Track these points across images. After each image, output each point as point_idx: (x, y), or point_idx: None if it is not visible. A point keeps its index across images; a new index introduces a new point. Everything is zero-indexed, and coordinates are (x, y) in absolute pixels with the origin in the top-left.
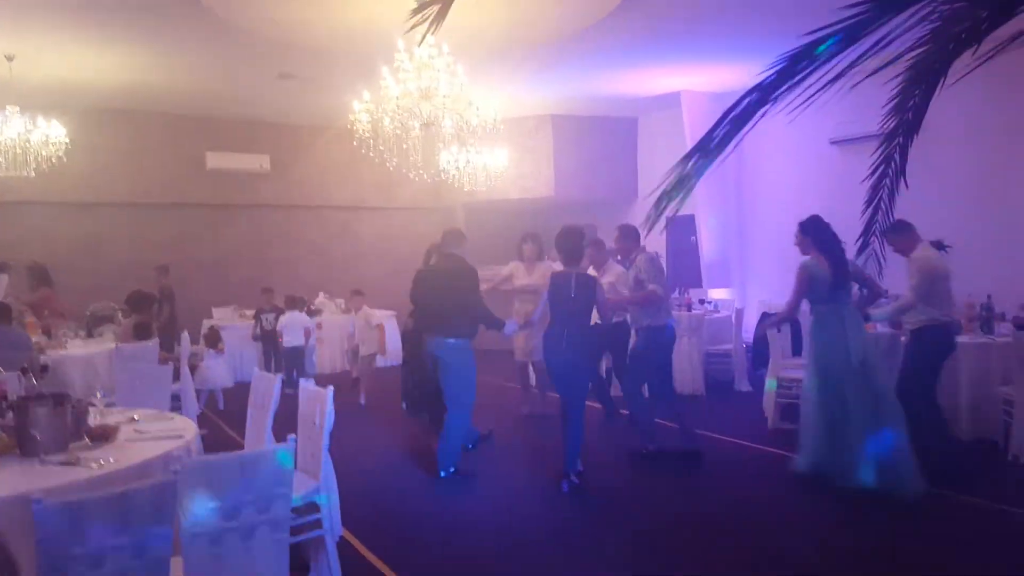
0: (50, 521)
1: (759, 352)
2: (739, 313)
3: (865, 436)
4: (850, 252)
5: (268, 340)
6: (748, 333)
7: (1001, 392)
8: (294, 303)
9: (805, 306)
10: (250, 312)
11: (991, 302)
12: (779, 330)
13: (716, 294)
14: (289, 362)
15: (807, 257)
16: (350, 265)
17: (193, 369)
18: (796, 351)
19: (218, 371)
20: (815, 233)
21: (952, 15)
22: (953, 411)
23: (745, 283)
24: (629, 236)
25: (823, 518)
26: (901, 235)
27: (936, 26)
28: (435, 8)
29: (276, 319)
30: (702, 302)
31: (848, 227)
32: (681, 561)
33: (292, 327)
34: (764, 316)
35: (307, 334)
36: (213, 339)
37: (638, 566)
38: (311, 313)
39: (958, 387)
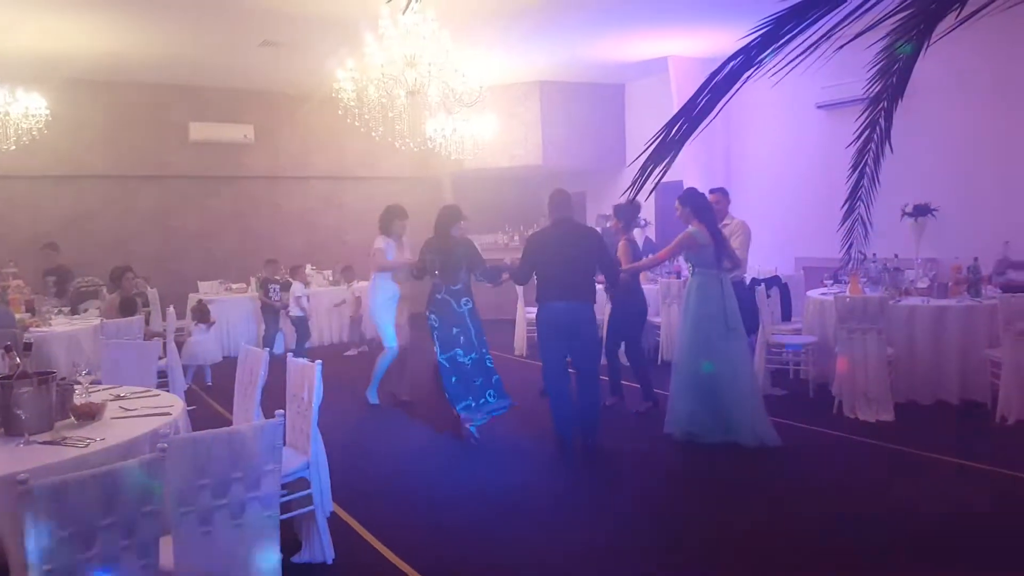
0: (36, 502)
1: (748, 318)
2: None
3: (732, 394)
4: (836, 217)
5: (271, 312)
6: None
7: (988, 355)
8: (296, 273)
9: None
10: (236, 285)
11: (978, 265)
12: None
13: None
14: (298, 332)
15: (691, 226)
16: (335, 236)
17: (180, 345)
18: (785, 316)
19: (206, 346)
20: (694, 204)
21: None
22: (941, 374)
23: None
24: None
25: (818, 476)
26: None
27: None
28: None
29: (281, 290)
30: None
31: (836, 191)
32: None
33: (297, 297)
34: (754, 282)
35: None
36: (202, 313)
37: (628, 546)
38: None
39: (946, 350)
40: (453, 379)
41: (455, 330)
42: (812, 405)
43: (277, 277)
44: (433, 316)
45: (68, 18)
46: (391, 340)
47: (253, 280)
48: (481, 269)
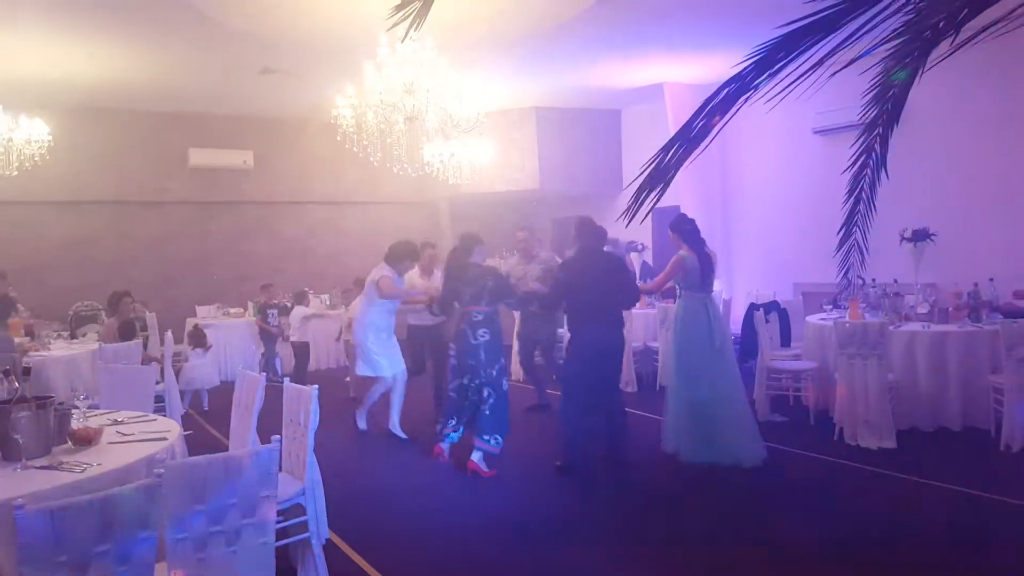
0: (32, 527)
1: (747, 343)
2: (727, 304)
3: (722, 414)
4: (833, 242)
5: (269, 338)
6: (736, 324)
7: (991, 381)
8: (300, 298)
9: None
10: (234, 310)
11: (978, 290)
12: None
13: None
14: (298, 357)
15: (682, 251)
16: (334, 261)
17: (177, 370)
18: (784, 342)
19: (203, 371)
20: (681, 229)
21: (927, 6)
22: (943, 400)
23: (732, 274)
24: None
25: (820, 505)
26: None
27: (910, 18)
28: (417, 6)
29: (280, 315)
30: None
31: (832, 217)
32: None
33: (299, 322)
34: (752, 307)
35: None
36: (198, 338)
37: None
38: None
39: (948, 376)
40: (453, 396)
41: (471, 362)
42: (813, 432)
43: (275, 302)
44: (452, 347)
45: (71, 46)
46: (385, 370)
47: (251, 305)
48: (510, 299)
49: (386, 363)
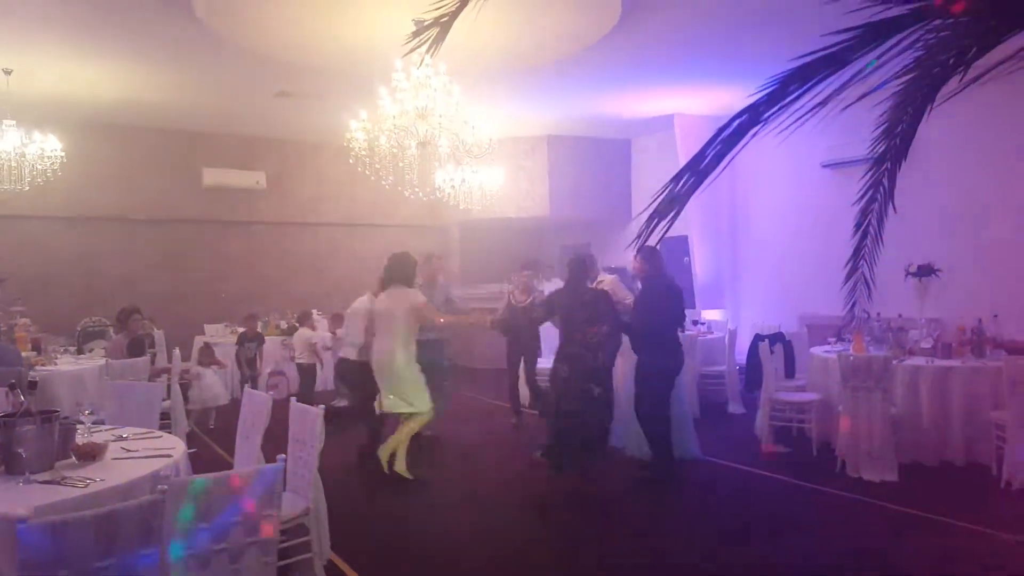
0: (34, 542)
1: (751, 374)
2: (732, 334)
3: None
4: (839, 275)
5: (248, 366)
6: (741, 355)
7: (993, 417)
8: (305, 319)
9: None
10: (242, 329)
11: (982, 326)
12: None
13: (709, 315)
14: (304, 379)
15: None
16: (345, 283)
17: (184, 387)
18: (789, 373)
19: (213, 389)
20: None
21: (937, 44)
22: (946, 435)
23: (738, 304)
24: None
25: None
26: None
27: (920, 55)
28: (433, 32)
29: (258, 347)
30: (695, 323)
31: (839, 250)
32: None
33: (302, 344)
34: (757, 338)
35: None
36: (208, 356)
37: None
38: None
39: (951, 411)
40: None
41: (595, 383)
42: (815, 464)
43: (251, 334)
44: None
45: (88, 65)
46: (427, 403)
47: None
48: (620, 321)
49: (427, 395)
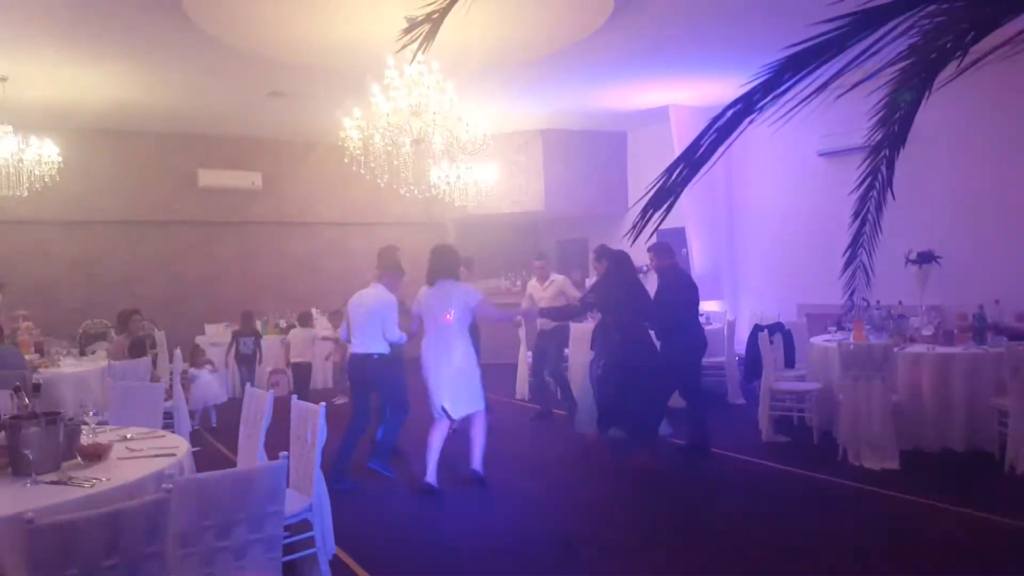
0: (41, 541)
1: (751, 364)
2: (731, 325)
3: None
4: (838, 264)
5: (245, 363)
6: (740, 345)
7: (995, 403)
8: (305, 319)
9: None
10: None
11: (983, 312)
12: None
13: (708, 306)
14: (298, 378)
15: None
16: (341, 281)
17: (186, 387)
18: (789, 363)
19: (210, 389)
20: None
21: (933, 29)
22: (948, 422)
23: (736, 295)
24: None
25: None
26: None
27: (916, 41)
28: (424, 28)
29: (255, 343)
30: None
31: (838, 238)
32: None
33: (300, 343)
34: (756, 328)
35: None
36: (199, 357)
37: None
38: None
39: (952, 398)
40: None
41: (647, 368)
42: (816, 452)
43: (246, 330)
44: (604, 357)
45: (84, 69)
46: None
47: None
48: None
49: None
